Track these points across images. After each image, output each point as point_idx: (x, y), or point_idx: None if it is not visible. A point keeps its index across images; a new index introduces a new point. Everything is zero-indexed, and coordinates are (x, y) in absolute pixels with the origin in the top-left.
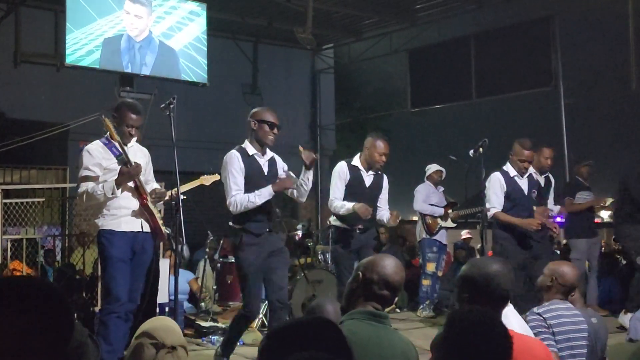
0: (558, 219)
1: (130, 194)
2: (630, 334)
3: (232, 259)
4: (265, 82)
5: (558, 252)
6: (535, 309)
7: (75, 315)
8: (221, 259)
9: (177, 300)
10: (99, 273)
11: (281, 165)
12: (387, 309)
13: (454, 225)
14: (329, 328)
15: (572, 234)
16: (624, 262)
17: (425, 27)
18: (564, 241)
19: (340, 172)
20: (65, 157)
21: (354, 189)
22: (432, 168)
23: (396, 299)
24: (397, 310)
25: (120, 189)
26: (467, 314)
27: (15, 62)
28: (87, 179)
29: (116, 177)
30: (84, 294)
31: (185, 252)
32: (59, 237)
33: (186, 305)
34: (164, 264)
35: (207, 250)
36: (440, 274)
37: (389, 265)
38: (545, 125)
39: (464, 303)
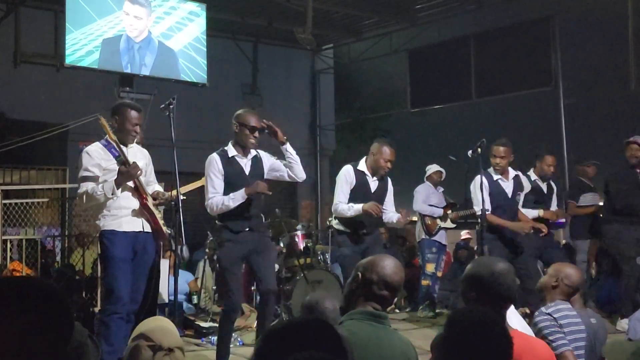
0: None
1: (130, 194)
2: (630, 334)
3: None
4: (265, 83)
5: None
6: (543, 309)
7: (75, 315)
8: None
9: (176, 300)
10: (99, 273)
11: (269, 163)
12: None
13: (454, 225)
14: (325, 328)
15: (577, 235)
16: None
17: (425, 27)
18: (563, 241)
19: (347, 176)
20: (64, 158)
21: (359, 194)
22: (431, 168)
23: (395, 299)
24: (397, 310)
25: (120, 189)
26: (467, 314)
27: (15, 63)
28: (86, 179)
29: (115, 177)
30: (83, 295)
31: (185, 252)
32: (59, 238)
33: (186, 305)
34: (164, 265)
35: (207, 250)
36: (439, 274)
37: (389, 265)
38: (545, 126)
39: (470, 302)
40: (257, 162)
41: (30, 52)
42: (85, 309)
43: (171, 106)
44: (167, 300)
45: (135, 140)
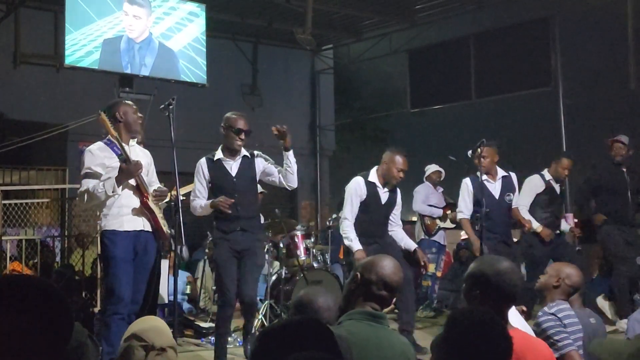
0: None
1: (131, 192)
2: (628, 334)
3: None
4: (264, 83)
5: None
6: (547, 310)
7: (75, 316)
8: None
9: (176, 300)
10: (99, 274)
11: (262, 166)
12: (386, 310)
13: (453, 225)
14: (320, 329)
15: (591, 239)
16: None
17: (425, 27)
18: (578, 248)
19: (357, 189)
20: (64, 158)
21: (369, 207)
22: (431, 168)
23: (395, 299)
24: (397, 310)
25: (120, 187)
26: (468, 314)
27: (14, 63)
28: (88, 177)
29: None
30: (83, 295)
31: (185, 253)
32: (58, 238)
33: (185, 306)
34: (163, 265)
35: (207, 251)
36: (439, 274)
37: (387, 266)
38: (545, 126)
39: (473, 301)
40: (247, 164)
41: (30, 53)
42: (85, 310)
43: (171, 106)
44: (166, 301)
45: (137, 140)
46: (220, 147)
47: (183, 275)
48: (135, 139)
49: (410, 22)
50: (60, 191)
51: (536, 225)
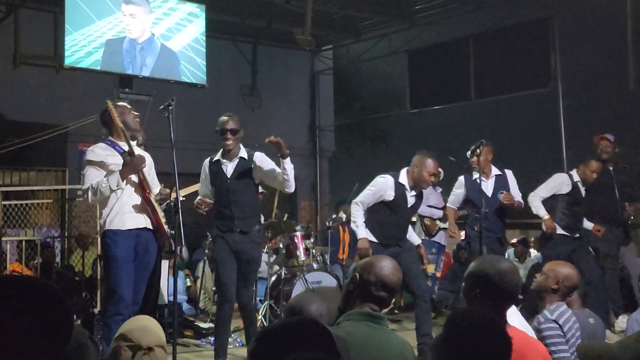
0: None
1: (133, 190)
2: (628, 334)
3: None
4: (264, 84)
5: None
6: (548, 315)
7: (75, 316)
8: None
9: (175, 301)
10: (99, 274)
11: (261, 167)
12: (384, 310)
13: None
14: (318, 329)
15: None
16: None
17: (425, 28)
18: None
19: (385, 187)
20: (64, 159)
21: (394, 209)
22: None
23: (393, 300)
24: (396, 311)
25: (124, 182)
26: (467, 314)
27: (14, 64)
28: (91, 173)
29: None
30: (83, 295)
31: (184, 253)
32: (58, 239)
33: (185, 306)
34: (163, 265)
35: (206, 251)
36: (438, 275)
37: (386, 266)
38: (544, 126)
39: (472, 300)
40: (243, 165)
41: (29, 54)
42: (85, 310)
43: (170, 107)
44: (166, 301)
45: (137, 142)
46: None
47: (181, 272)
48: (136, 141)
49: (410, 23)
50: (60, 192)
51: (542, 213)
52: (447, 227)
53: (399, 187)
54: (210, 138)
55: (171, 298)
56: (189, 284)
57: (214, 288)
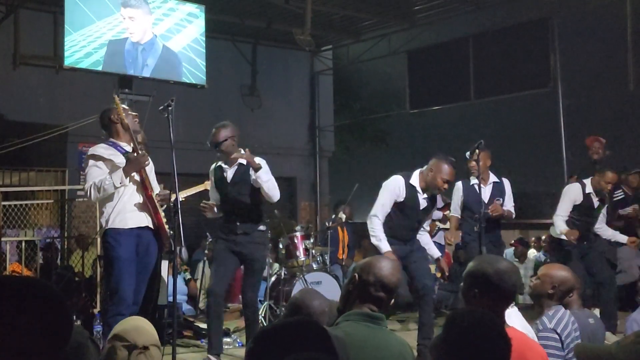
0: None
1: (134, 188)
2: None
3: None
4: (264, 84)
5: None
6: (547, 323)
7: (75, 317)
8: None
9: (175, 301)
10: (98, 275)
11: (253, 172)
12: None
13: None
14: (316, 329)
15: (615, 243)
16: None
17: (424, 28)
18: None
19: (396, 189)
20: (64, 159)
21: (405, 210)
22: None
23: (392, 300)
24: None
25: (128, 179)
26: (466, 315)
27: (14, 64)
28: (94, 171)
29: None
30: (83, 296)
31: (184, 254)
32: (58, 239)
33: (185, 307)
34: (163, 266)
35: (206, 252)
36: (438, 275)
37: (385, 267)
38: (544, 126)
39: (471, 300)
40: (242, 171)
41: (29, 54)
42: (85, 311)
43: (170, 108)
44: (166, 302)
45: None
46: None
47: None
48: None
49: (410, 23)
50: (60, 192)
51: (562, 227)
52: (446, 229)
53: (410, 189)
54: (210, 138)
55: (170, 298)
56: (188, 276)
57: None
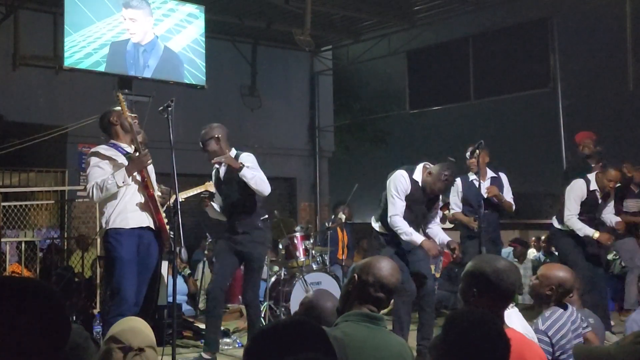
0: None
1: (136, 188)
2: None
3: None
4: (263, 84)
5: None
6: (540, 325)
7: (75, 317)
8: None
9: (175, 301)
10: (98, 275)
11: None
12: (383, 311)
13: (452, 226)
14: (313, 329)
15: (617, 235)
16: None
17: (424, 28)
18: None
19: (403, 182)
20: (64, 160)
21: (410, 204)
22: None
23: (392, 300)
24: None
25: (131, 178)
26: (466, 315)
27: (14, 65)
28: (96, 171)
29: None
30: (83, 296)
31: (183, 254)
32: (58, 240)
33: (185, 307)
34: (163, 266)
35: (206, 252)
36: (437, 275)
37: (385, 267)
38: (544, 127)
39: (469, 300)
40: (232, 169)
41: (29, 55)
42: (84, 311)
43: (169, 108)
44: (166, 302)
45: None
46: None
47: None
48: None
49: (409, 23)
50: (60, 193)
51: (590, 232)
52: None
53: (414, 183)
54: None
55: (170, 299)
56: (188, 271)
57: None
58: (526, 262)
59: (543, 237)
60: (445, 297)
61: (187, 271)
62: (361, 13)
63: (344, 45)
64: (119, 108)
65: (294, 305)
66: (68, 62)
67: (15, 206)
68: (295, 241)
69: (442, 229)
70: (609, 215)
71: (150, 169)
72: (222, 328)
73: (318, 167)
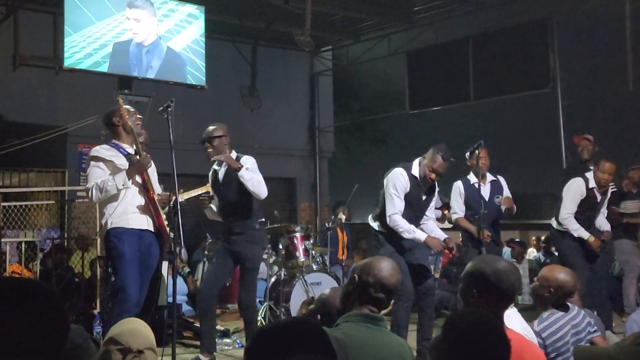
0: None
1: (137, 190)
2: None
3: None
4: (263, 85)
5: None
6: (535, 326)
7: (75, 318)
8: None
9: (175, 302)
10: (98, 275)
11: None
12: (383, 312)
13: (451, 226)
14: (314, 330)
15: (615, 236)
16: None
17: (424, 29)
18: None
19: (402, 181)
20: (64, 160)
21: (409, 201)
22: None
23: (392, 301)
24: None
25: (130, 180)
26: (466, 316)
27: (14, 65)
28: (96, 172)
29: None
30: (83, 297)
31: (183, 254)
32: (58, 240)
33: (185, 307)
34: (163, 266)
35: (206, 252)
36: (437, 275)
37: (385, 267)
38: (544, 127)
39: (469, 301)
40: (231, 170)
41: (29, 55)
42: (84, 312)
43: (169, 108)
44: (166, 302)
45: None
46: None
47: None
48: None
49: (409, 24)
50: (60, 193)
51: (585, 235)
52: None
53: (412, 180)
54: None
55: (170, 299)
56: (187, 270)
57: None
58: (524, 262)
59: (543, 238)
60: (445, 297)
61: (187, 270)
62: (361, 13)
63: (343, 45)
64: (126, 107)
65: (294, 306)
66: (68, 63)
67: (15, 206)
68: (295, 241)
69: (442, 228)
70: (602, 221)
71: (152, 169)
72: (222, 328)
73: (318, 168)
